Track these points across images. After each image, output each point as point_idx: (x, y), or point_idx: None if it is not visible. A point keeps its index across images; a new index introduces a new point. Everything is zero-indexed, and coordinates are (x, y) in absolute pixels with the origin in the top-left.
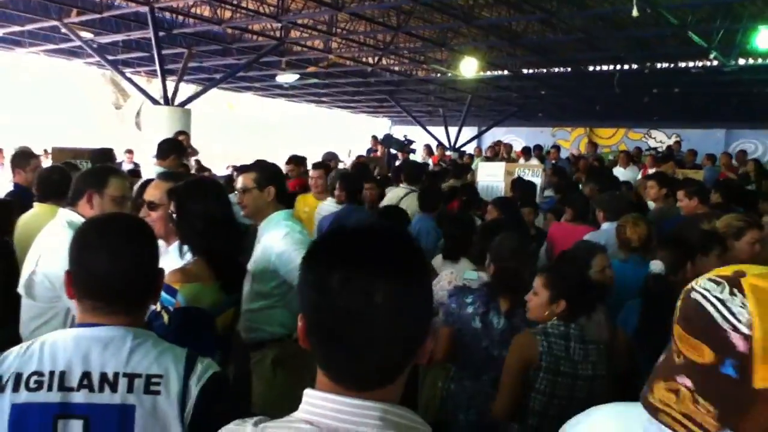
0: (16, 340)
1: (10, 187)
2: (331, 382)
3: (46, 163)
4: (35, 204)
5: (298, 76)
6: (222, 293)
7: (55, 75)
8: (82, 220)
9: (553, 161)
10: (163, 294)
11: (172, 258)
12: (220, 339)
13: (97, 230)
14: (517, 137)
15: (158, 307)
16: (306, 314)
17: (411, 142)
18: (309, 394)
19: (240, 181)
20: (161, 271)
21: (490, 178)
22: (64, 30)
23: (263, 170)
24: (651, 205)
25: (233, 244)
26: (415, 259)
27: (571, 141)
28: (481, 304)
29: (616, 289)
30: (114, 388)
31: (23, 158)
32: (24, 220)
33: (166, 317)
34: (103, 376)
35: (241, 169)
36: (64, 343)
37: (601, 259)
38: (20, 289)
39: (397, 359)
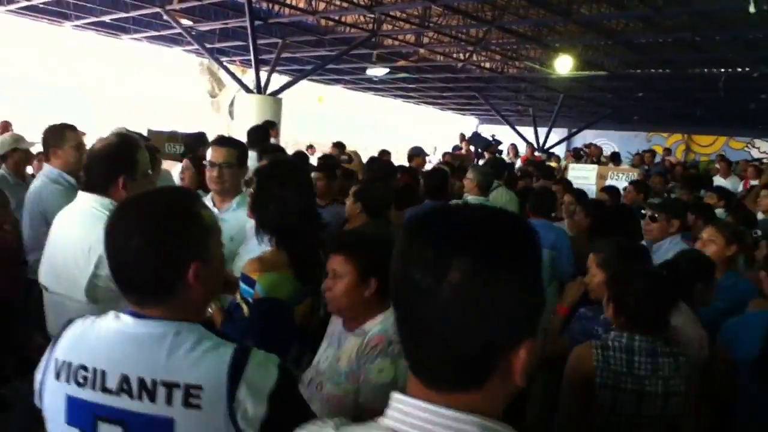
0: None
1: None
2: (419, 382)
3: None
4: None
5: (387, 69)
6: (299, 282)
7: (155, 62)
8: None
9: (647, 166)
10: (241, 285)
11: (254, 245)
12: (298, 330)
13: (116, 211)
14: (609, 141)
15: (238, 297)
16: (390, 289)
17: (498, 142)
18: (396, 399)
19: None
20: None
21: (581, 180)
22: (165, 17)
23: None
24: (759, 216)
25: (312, 233)
26: (518, 245)
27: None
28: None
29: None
30: (152, 398)
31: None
32: None
33: (245, 308)
34: (141, 382)
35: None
36: (107, 336)
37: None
38: (81, 296)
39: (474, 354)
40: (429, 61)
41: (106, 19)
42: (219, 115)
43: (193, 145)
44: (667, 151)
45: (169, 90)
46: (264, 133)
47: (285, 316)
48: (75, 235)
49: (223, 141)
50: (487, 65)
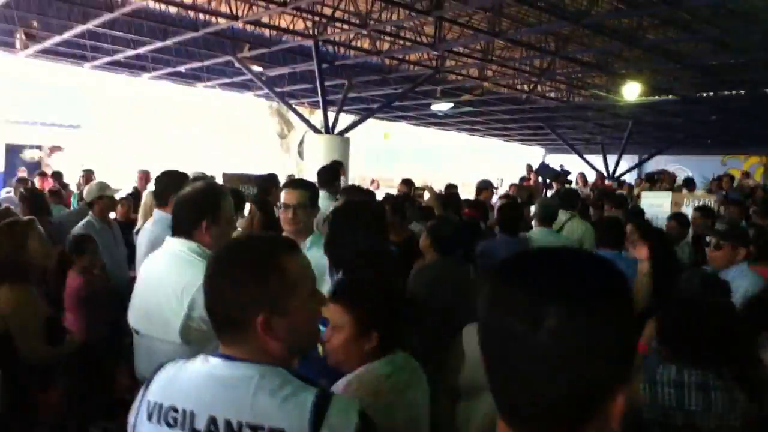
0: None
1: None
2: (511, 429)
3: None
4: None
5: (452, 104)
6: None
7: (227, 107)
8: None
9: (725, 192)
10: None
11: (329, 284)
12: None
13: (217, 253)
14: (682, 166)
15: None
16: (480, 336)
17: (567, 172)
18: None
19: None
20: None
21: (655, 208)
22: (237, 64)
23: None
24: None
25: (383, 272)
26: (611, 289)
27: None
28: None
29: None
30: None
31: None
32: None
33: (320, 348)
34: (228, 424)
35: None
36: (196, 378)
37: None
38: (175, 337)
39: (571, 399)
40: (493, 93)
41: (182, 69)
42: (289, 155)
43: (264, 186)
44: (746, 174)
45: (241, 133)
46: (333, 173)
47: None
48: (166, 278)
49: (295, 183)
50: (553, 95)
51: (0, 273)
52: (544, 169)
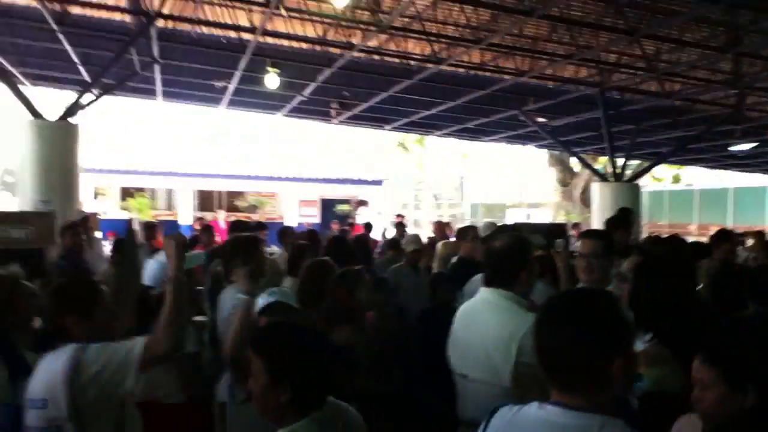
0: None
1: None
2: None
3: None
4: None
5: (755, 143)
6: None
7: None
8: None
9: None
10: None
11: None
12: None
13: (551, 304)
14: None
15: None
16: None
17: None
18: None
19: None
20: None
21: None
22: (521, 117)
23: None
24: None
25: (692, 325)
26: None
27: None
28: None
29: None
30: None
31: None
32: None
33: (635, 403)
34: None
35: None
36: (535, 424)
37: None
38: (505, 382)
39: None
40: None
41: (470, 125)
42: (571, 203)
43: (552, 235)
44: None
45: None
46: (623, 223)
47: (676, 411)
48: (492, 327)
49: (590, 233)
50: None
51: (336, 317)
52: None
